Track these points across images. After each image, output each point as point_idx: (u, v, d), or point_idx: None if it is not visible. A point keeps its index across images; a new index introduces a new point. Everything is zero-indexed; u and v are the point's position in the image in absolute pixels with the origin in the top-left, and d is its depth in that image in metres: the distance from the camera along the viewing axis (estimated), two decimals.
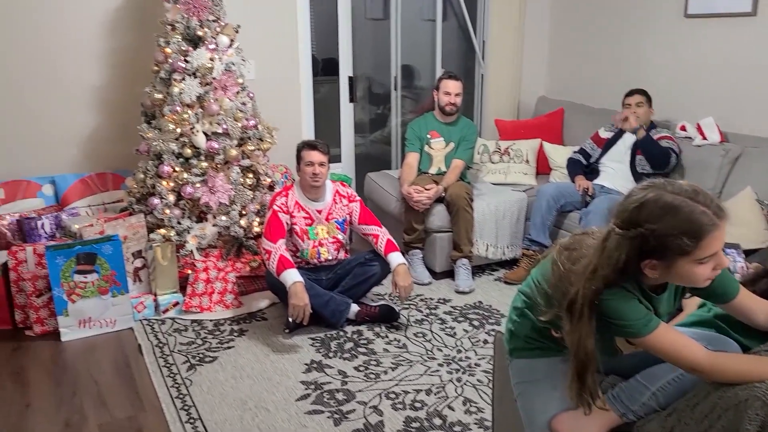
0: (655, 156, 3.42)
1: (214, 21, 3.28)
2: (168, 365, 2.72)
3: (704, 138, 3.49)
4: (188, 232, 3.26)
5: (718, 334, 1.57)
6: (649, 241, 1.34)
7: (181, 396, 2.49)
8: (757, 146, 3.26)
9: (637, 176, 3.49)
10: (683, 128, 3.63)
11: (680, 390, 1.48)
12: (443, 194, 3.58)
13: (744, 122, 3.46)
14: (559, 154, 4.10)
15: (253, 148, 3.39)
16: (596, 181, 3.65)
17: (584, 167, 3.79)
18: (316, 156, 3.01)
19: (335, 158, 4.27)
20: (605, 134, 3.78)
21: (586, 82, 4.51)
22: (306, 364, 2.73)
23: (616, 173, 3.60)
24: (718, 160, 3.32)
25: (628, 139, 3.63)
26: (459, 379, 2.61)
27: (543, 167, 4.18)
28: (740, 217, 2.93)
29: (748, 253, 2.68)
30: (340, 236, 3.17)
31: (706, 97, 3.67)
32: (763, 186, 3.03)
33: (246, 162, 3.39)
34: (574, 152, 3.90)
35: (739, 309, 1.54)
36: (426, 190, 3.52)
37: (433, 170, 3.79)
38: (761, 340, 1.52)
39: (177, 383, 2.58)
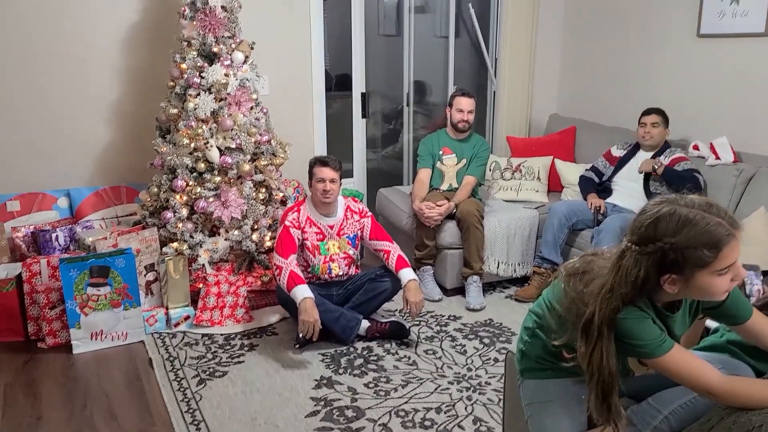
0: (681, 184, 3.30)
1: (229, 38, 3.33)
2: (178, 379, 2.73)
3: (717, 157, 3.47)
4: (200, 246, 3.28)
5: (731, 358, 1.55)
6: (667, 255, 1.34)
7: (190, 410, 2.50)
8: None
9: (650, 195, 3.47)
10: (696, 147, 3.61)
11: (693, 414, 1.47)
12: (454, 210, 3.58)
13: (758, 142, 3.45)
14: (571, 172, 4.10)
15: (266, 163, 3.42)
16: (608, 200, 3.64)
17: (596, 185, 3.78)
18: (327, 173, 3.03)
19: (347, 173, 4.30)
20: (618, 152, 3.77)
21: (598, 101, 4.52)
22: (316, 380, 2.73)
23: (628, 192, 3.59)
24: (731, 180, 3.30)
25: (641, 158, 3.62)
26: (469, 398, 2.60)
27: (555, 185, 4.18)
28: (754, 237, 2.91)
29: (765, 275, 2.65)
30: (351, 252, 3.18)
31: (720, 117, 3.66)
32: None
33: (259, 177, 3.42)
34: (587, 170, 3.89)
35: (751, 332, 1.52)
36: (437, 206, 3.53)
37: (444, 186, 3.79)
38: None
39: (187, 397, 2.59)
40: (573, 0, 4.66)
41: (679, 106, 3.79)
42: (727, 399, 1.37)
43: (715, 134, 3.58)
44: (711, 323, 1.83)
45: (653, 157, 3.56)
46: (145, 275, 3.20)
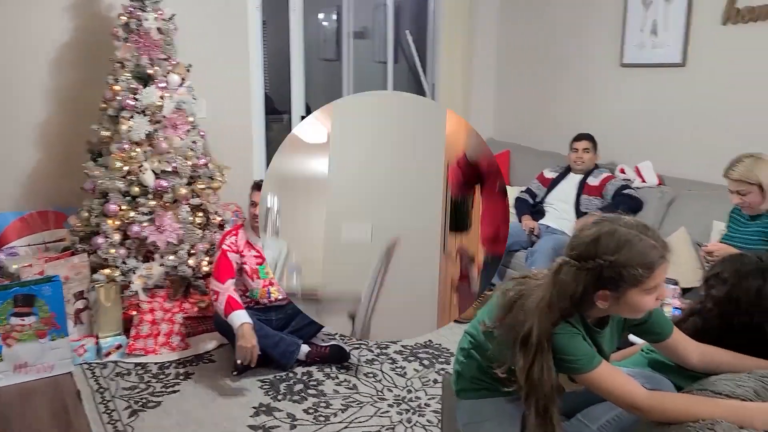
0: (632, 208, 3.44)
1: (164, 60, 3.28)
2: (108, 411, 2.62)
3: (643, 180, 3.66)
4: (134, 272, 3.18)
5: (654, 373, 1.63)
6: (605, 272, 1.41)
7: None
8: (690, 189, 3.43)
9: (581, 216, 3.61)
10: (623, 171, 3.79)
11: (620, 429, 1.52)
12: None
13: (679, 166, 3.64)
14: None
15: (203, 186, 3.36)
16: (542, 221, 3.76)
17: (531, 207, 3.91)
18: (258, 196, 3.00)
19: None
20: (550, 174, 3.92)
21: (531, 126, 4.68)
22: (254, 408, 2.67)
23: (559, 213, 3.72)
24: (655, 202, 3.48)
25: (572, 179, 3.78)
26: (409, 420, 2.60)
27: None
28: (675, 255, 3.06)
29: (684, 292, 2.79)
30: None
31: (643, 142, 3.86)
32: (696, 227, 3.18)
33: (196, 201, 3.36)
34: (522, 192, 4.02)
35: (673, 349, 1.60)
36: None
37: None
38: (692, 379, 1.58)
39: (118, 430, 2.49)
40: (506, 28, 4.84)
41: (605, 132, 3.97)
42: (652, 414, 1.42)
43: (639, 158, 3.77)
44: (635, 338, 1.91)
45: (583, 179, 3.71)
46: (74, 303, 3.07)
